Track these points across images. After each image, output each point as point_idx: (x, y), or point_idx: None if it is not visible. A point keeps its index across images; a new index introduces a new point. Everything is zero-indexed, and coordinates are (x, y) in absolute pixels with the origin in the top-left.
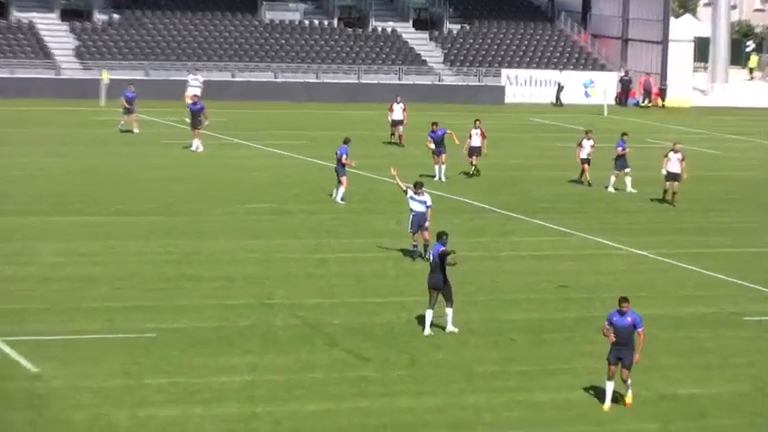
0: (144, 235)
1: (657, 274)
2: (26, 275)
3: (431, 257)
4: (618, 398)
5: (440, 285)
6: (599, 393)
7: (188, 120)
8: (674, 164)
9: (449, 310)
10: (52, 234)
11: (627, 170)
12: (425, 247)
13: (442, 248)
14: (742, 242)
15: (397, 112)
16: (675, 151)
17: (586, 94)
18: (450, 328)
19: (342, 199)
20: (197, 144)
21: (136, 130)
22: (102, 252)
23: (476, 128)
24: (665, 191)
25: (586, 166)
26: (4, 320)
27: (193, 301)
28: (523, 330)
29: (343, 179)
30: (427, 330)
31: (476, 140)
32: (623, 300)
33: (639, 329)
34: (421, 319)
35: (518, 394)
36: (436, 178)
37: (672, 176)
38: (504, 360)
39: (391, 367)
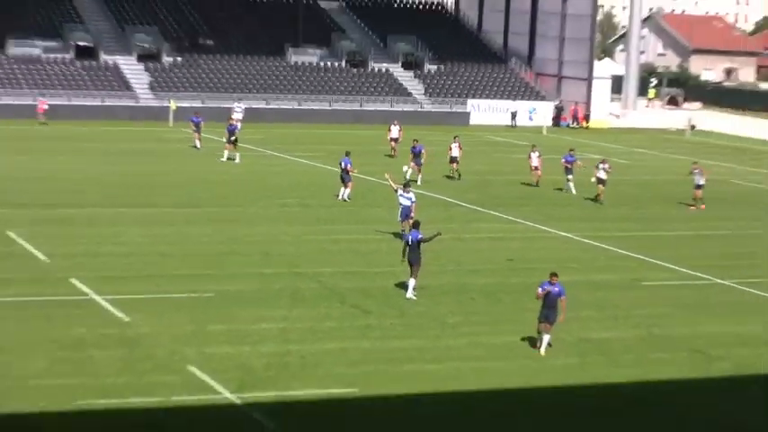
0: (202, 222)
1: (581, 252)
2: (119, 252)
3: (409, 240)
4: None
5: (415, 261)
6: (536, 340)
7: (225, 139)
8: (601, 173)
9: (412, 281)
10: (135, 221)
11: (570, 176)
12: None
13: (420, 236)
14: (646, 228)
15: (394, 131)
16: (604, 163)
17: (530, 119)
18: (409, 294)
19: (348, 197)
20: (231, 155)
21: (198, 146)
22: (172, 235)
23: (455, 142)
24: (598, 194)
25: (538, 172)
26: (105, 284)
27: (240, 270)
28: (482, 292)
29: (349, 183)
30: (409, 292)
31: (455, 151)
32: (553, 274)
33: (562, 297)
34: (405, 285)
35: (478, 338)
36: (418, 182)
37: (600, 182)
38: (468, 313)
39: (386, 318)
